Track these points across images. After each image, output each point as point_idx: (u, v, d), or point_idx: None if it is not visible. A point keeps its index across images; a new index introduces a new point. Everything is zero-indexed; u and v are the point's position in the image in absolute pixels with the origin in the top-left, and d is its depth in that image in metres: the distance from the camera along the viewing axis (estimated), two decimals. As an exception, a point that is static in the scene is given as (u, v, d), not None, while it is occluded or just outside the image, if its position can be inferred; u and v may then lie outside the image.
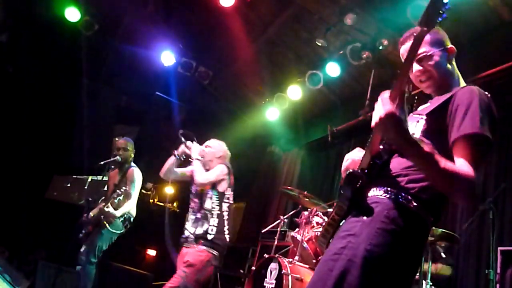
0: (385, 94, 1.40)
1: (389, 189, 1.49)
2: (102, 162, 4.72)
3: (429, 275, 3.14)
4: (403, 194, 1.46)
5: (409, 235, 1.43)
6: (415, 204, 1.45)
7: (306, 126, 7.08)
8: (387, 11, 4.48)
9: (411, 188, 1.47)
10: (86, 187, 5.66)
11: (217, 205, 3.44)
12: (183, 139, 3.64)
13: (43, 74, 6.59)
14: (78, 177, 6.16)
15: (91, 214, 4.44)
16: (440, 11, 1.34)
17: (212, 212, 3.40)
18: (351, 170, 1.54)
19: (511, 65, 4.02)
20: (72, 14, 5.95)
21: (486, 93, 1.53)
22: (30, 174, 6.49)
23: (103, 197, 4.54)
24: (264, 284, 3.81)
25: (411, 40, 1.74)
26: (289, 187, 4.84)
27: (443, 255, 3.68)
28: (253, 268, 4.22)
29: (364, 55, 4.92)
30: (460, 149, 1.41)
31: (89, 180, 5.67)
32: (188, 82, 6.75)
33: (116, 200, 4.24)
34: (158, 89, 7.01)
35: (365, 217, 1.45)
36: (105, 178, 4.78)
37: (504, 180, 4.09)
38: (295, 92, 6.23)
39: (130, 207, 4.50)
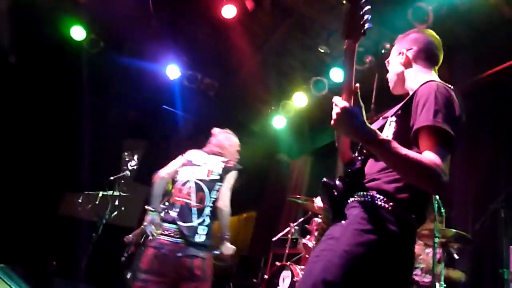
0: (337, 97, 1.46)
1: (365, 193, 1.52)
2: (112, 178, 4.79)
3: (442, 277, 3.11)
4: (378, 196, 1.48)
5: (389, 234, 1.43)
6: (391, 204, 1.46)
7: (313, 133, 7.09)
8: (388, 15, 4.49)
9: (386, 189, 1.49)
10: (97, 203, 5.72)
11: None
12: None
13: (51, 93, 6.71)
14: (89, 193, 6.23)
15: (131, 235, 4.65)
16: (361, 22, 1.44)
17: None
18: (324, 180, 1.60)
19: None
20: (78, 33, 6.06)
21: (449, 86, 1.55)
22: (42, 193, 6.58)
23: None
24: (277, 292, 3.81)
25: (397, 42, 1.85)
26: (297, 196, 4.85)
27: (456, 257, 3.63)
28: (266, 276, 4.22)
29: (367, 59, 4.93)
30: (421, 143, 1.43)
31: (100, 195, 5.73)
32: (194, 94, 6.81)
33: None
34: (164, 102, 7.08)
35: (343, 221, 1.48)
36: (116, 193, 4.83)
37: (515, 178, 4.06)
38: (300, 99, 6.27)
39: None
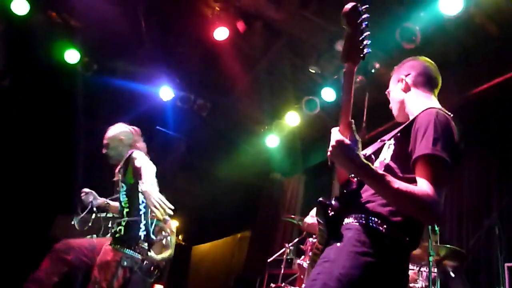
0: (335, 129, 1.52)
1: (360, 215, 1.53)
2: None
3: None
4: (373, 219, 1.50)
5: (383, 256, 1.45)
6: (385, 226, 1.48)
7: (306, 151, 7.13)
8: (376, 34, 4.57)
9: (380, 212, 1.51)
10: (90, 225, 5.65)
11: None
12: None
13: (45, 116, 6.70)
14: (83, 215, 6.15)
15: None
16: (361, 47, 1.49)
17: None
18: (320, 200, 1.61)
19: (502, 80, 4.07)
20: (72, 56, 6.10)
21: (448, 113, 1.58)
22: (33, 215, 6.50)
23: None
24: (273, 314, 3.75)
25: (394, 72, 1.87)
26: (291, 216, 4.84)
27: (452, 275, 3.61)
28: (261, 298, 4.17)
29: (358, 79, 4.99)
30: (418, 171, 1.45)
31: (94, 217, 5.66)
32: (187, 115, 6.84)
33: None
34: (157, 123, 7.09)
35: (338, 243, 1.49)
36: (109, 215, 4.78)
37: (507, 194, 4.08)
38: (293, 119, 6.32)
39: (167, 256, 4.60)
